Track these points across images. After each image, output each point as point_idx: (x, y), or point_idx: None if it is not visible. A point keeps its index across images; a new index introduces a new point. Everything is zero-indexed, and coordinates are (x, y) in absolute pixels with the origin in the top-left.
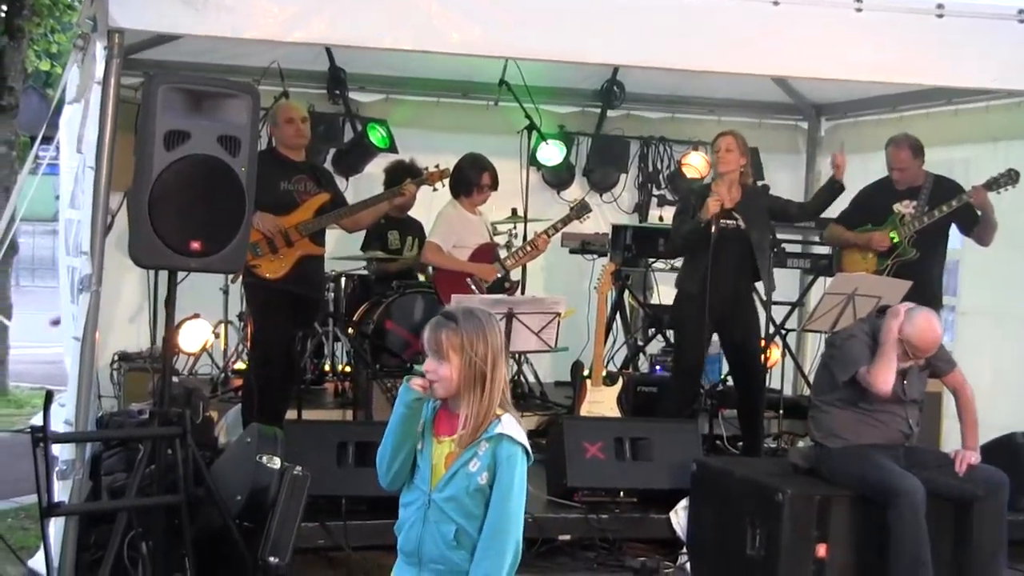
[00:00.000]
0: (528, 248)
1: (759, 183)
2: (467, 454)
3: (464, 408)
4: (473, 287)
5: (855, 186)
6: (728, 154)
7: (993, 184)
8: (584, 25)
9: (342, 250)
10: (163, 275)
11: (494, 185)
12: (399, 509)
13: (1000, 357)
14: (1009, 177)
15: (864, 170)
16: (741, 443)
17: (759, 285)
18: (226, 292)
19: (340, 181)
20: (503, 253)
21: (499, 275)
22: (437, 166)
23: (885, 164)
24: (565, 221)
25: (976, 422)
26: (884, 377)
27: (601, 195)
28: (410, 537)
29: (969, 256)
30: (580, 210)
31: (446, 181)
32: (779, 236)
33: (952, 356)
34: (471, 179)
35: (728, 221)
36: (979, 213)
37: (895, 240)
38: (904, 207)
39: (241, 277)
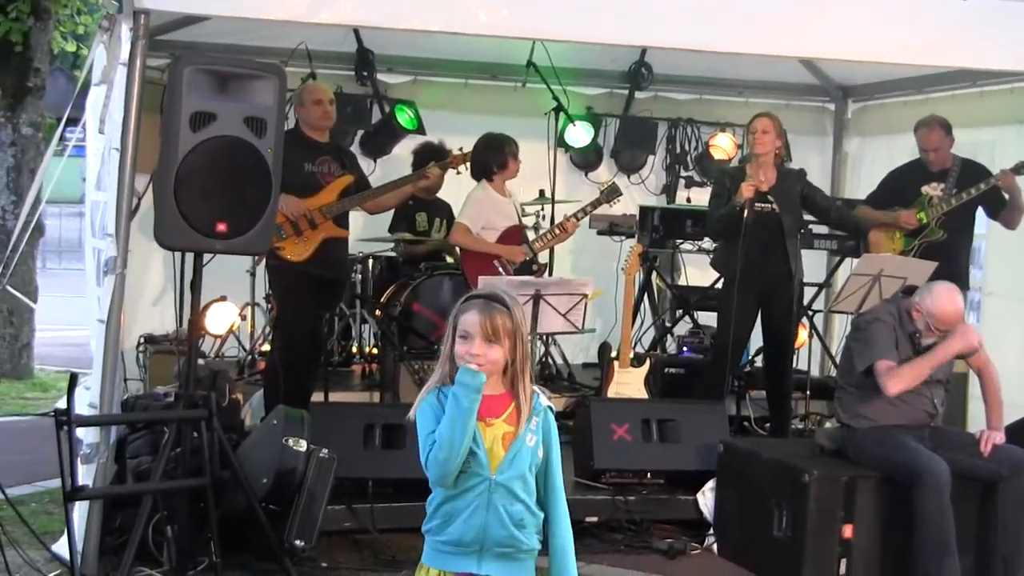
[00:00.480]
0: (557, 231)
1: (796, 167)
2: (525, 432)
3: (518, 388)
4: (500, 269)
5: (882, 168)
6: (764, 136)
7: (1021, 168)
8: (612, 6)
9: (370, 232)
10: (189, 257)
11: (517, 158)
12: (442, 504)
13: None
14: None
15: (890, 152)
16: (769, 424)
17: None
18: (253, 274)
19: (368, 163)
20: (531, 235)
21: (527, 257)
22: (460, 149)
23: (912, 146)
24: (595, 204)
25: (1000, 402)
26: (901, 386)
27: (629, 176)
28: (472, 525)
29: (995, 237)
30: (610, 194)
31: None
32: (805, 218)
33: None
34: (497, 156)
35: (763, 204)
36: (1007, 197)
37: (923, 220)
38: (933, 189)
39: (265, 259)
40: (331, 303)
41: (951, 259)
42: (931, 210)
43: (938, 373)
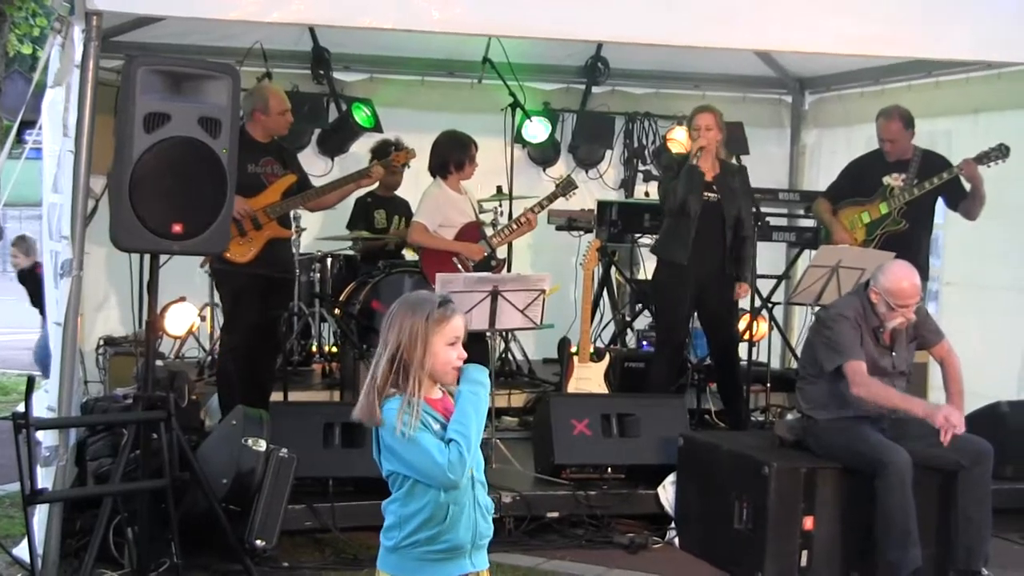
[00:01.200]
0: (514, 226)
1: (739, 163)
2: None
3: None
4: (459, 266)
5: (841, 159)
6: (708, 132)
7: (984, 158)
8: (566, 2)
9: (328, 230)
10: (146, 257)
11: (475, 161)
12: (436, 512)
13: (984, 327)
14: (999, 151)
15: (848, 143)
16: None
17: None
18: (211, 275)
19: (325, 161)
20: (489, 231)
21: (485, 254)
22: (396, 145)
23: (870, 136)
24: (551, 198)
25: (962, 392)
26: (864, 395)
27: (587, 171)
28: (467, 525)
29: (952, 227)
30: (566, 187)
31: (414, 161)
32: (764, 209)
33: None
34: (457, 155)
35: (709, 194)
36: (967, 187)
37: (883, 212)
38: (894, 179)
39: (209, 263)
40: (282, 302)
41: (912, 249)
42: (892, 200)
43: (900, 364)
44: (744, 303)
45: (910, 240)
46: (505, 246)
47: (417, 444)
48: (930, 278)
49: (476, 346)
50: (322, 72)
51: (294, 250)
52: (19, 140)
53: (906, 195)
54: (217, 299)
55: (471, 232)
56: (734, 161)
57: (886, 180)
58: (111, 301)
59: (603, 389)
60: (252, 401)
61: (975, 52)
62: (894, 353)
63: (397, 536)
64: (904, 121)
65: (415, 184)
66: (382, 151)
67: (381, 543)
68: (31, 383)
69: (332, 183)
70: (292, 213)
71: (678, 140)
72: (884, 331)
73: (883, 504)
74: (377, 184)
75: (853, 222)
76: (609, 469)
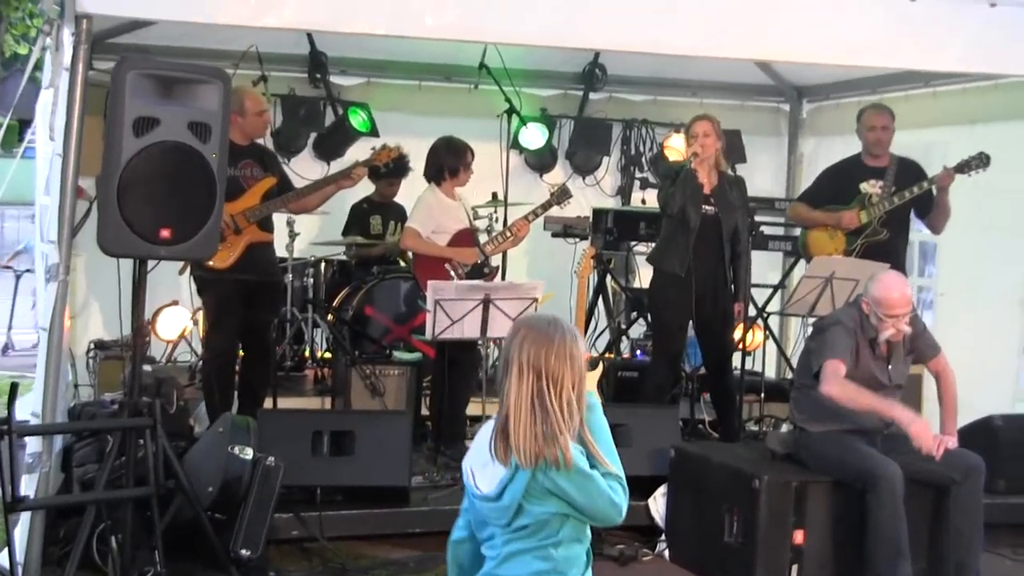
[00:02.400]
0: (508, 234)
1: (737, 173)
2: None
3: None
4: (451, 272)
5: None
6: (707, 139)
7: (964, 167)
8: (563, 8)
9: (323, 235)
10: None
11: (470, 168)
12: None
13: (978, 339)
14: (980, 160)
15: (845, 151)
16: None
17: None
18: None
19: (321, 165)
20: (483, 238)
21: (479, 260)
22: (385, 146)
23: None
24: (545, 207)
25: (955, 407)
26: (836, 394)
27: (583, 178)
28: None
29: (947, 238)
30: (560, 196)
31: (414, 163)
32: (759, 218)
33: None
34: (451, 161)
35: (707, 207)
36: (935, 196)
37: (864, 220)
38: (871, 187)
39: (189, 269)
40: (269, 307)
41: (893, 258)
42: (872, 208)
43: (897, 378)
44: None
45: (891, 249)
46: (499, 253)
47: (595, 483)
48: (924, 288)
49: (467, 355)
50: (319, 76)
51: (284, 253)
52: (19, 139)
53: (886, 204)
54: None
55: (465, 239)
56: (731, 171)
57: (863, 187)
58: (99, 305)
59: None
60: (243, 407)
61: (973, 64)
62: (890, 366)
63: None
64: (891, 114)
65: (412, 191)
66: None
67: None
68: (14, 388)
69: (312, 184)
70: (285, 217)
71: (675, 147)
72: (880, 343)
73: (874, 518)
74: (373, 190)
75: (833, 231)
76: None
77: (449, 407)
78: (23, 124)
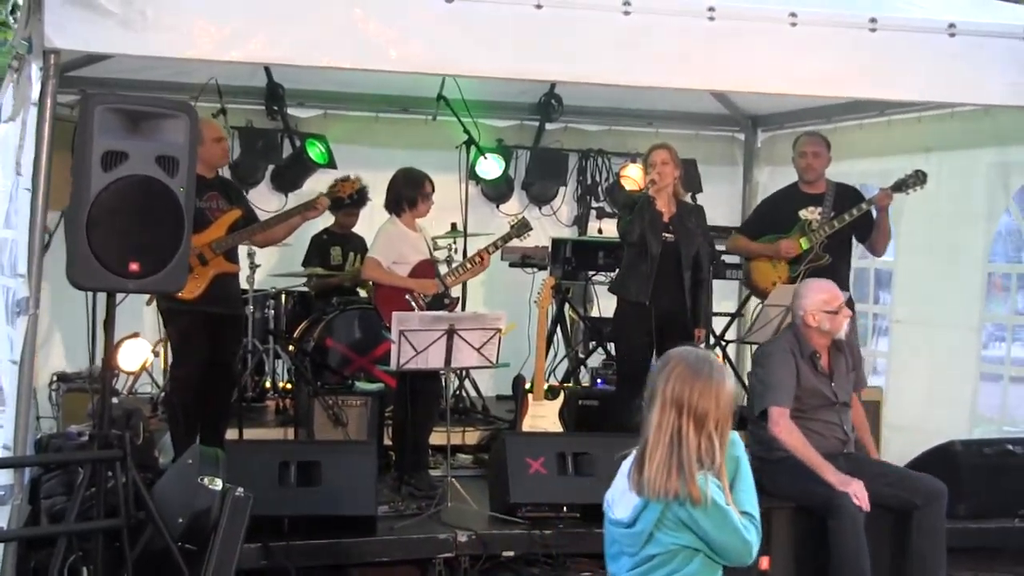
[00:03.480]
0: (468, 265)
1: (694, 201)
2: None
3: None
4: (413, 304)
5: None
6: (664, 167)
7: (901, 186)
8: (521, 42)
9: (283, 266)
10: (101, 296)
11: (429, 199)
12: None
13: (935, 365)
14: (916, 178)
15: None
16: None
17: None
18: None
19: (279, 197)
20: (444, 269)
21: (439, 291)
22: (347, 177)
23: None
24: (505, 239)
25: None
26: (783, 439)
27: (540, 208)
28: None
29: (902, 265)
30: (520, 228)
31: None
32: (717, 247)
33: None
34: (409, 192)
35: (667, 235)
36: (875, 219)
37: (805, 247)
38: (810, 213)
39: (156, 301)
40: (233, 339)
41: (837, 282)
42: (813, 235)
43: (842, 395)
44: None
45: (833, 273)
46: (459, 284)
47: (729, 519)
48: (880, 315)
49: (430, 384)
50: (276, 108)
51: (245, 285)
52: None
53: (826, 228)
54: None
55: (426, 269)
56: (688, 199)
57: (802, 214)
58: (60, 336)
59: (557, 427)
60: (204, 438)
61: (927, 93)
62: (833, 383)
63: None
64: (825, 141)
65: (371, 222)
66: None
67: None
68: None
69: (277, 216)
70: (247, 249)
71: (632, 177)
72: (820, 356)
73: (836, 544)
74: (333, 221)
75: (774, 260)
76: (565, 508)
77: (412, 436)
78: None
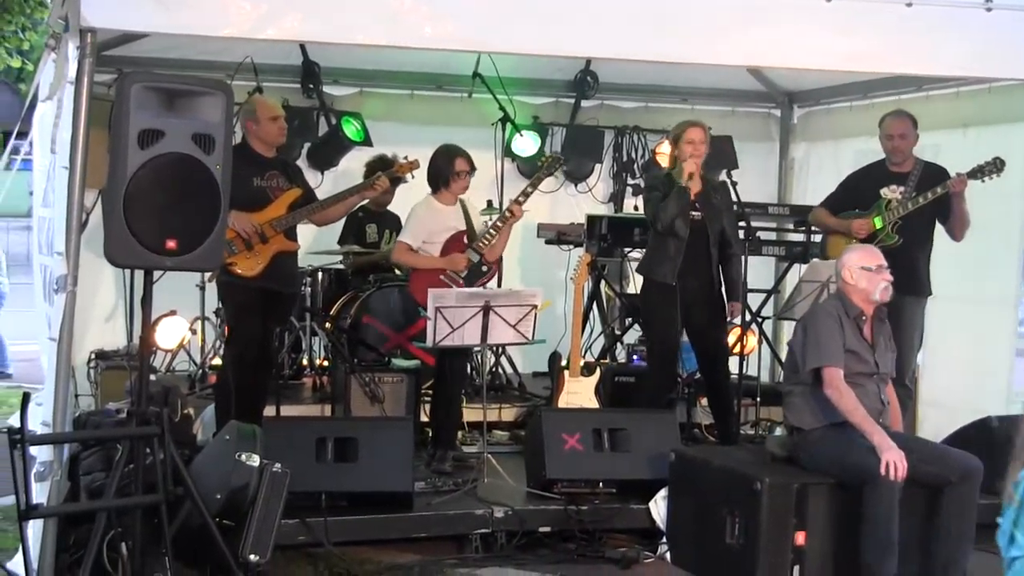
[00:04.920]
0: (500, 224)
1: (730, 179)
2: None
3: None
4: (448, 282)
5: (829, 173)
6: (702, 146)
7: (978, 172)
8: (556, 18)
9: (319, 244)
10: (139, 273)
11: (472, 169)
12: None
13: (971, 340)
14: (994, 166)
15: (836, 157)
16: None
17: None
18: (203, 288)
19: (315, 175)
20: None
21: (473, 261)
22: (406, 157)
23: (858, 149)
24: (536, 182)
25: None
26: (835, 400)
27: (576, 185)
28: None
29: (939, 241)
30: (552, 165)
31: (417, 172)
32: (753, 224)
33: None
34: (444, 169)
35: (693, 213)
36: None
37: (878, 226)
38: (891, 192)
39: (216, 276)
40: (282, 317)
41: (908, 267)
42: (888, 214)
43: (884, 366)
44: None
45: (904, 256)
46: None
47: None
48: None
49: (458, 360)
50: (312, 86)
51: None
52: (11, 152)
53: (900, 209)
54: (209, 312)
55: (457, 243)
56: (723, 176)
57: (884, 192)
58: (96, 314)
59: (593, 403)
60: (242, 415)
61: (966, 68)
62: (875, 353)
63: None
64: (912, 120)
65: (405, 200)
66: (380, 166)
67: None
68: (26, 398)
69: (337, 195)
70: None
71: (667, 154)
72: (865, 322)
73: (869, 511)
74: (368, 200)
75: (848, 238)
76: (600, 484)
77: (444, 414)
78: (6, 136)
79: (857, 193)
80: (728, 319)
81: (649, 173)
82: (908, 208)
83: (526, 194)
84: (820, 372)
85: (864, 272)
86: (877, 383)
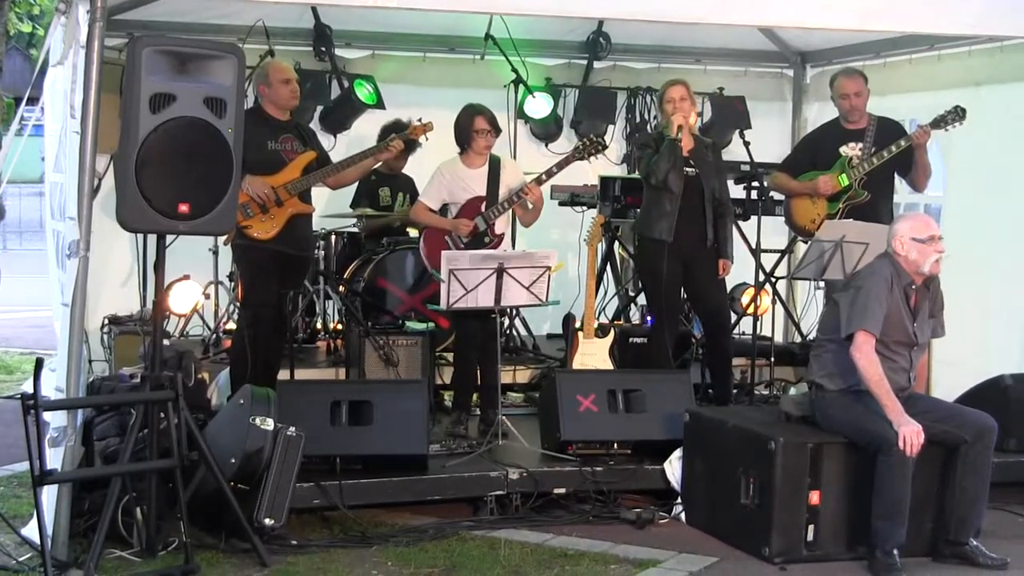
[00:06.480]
0: (515, 199)
1: (743, 139)
2: None
3: None
4: (451, 244)
5: None
6: (683, 103)
7: (940, 122)
8: None
9: (332, 207)
10: (152, 238)
11: (494, 129)
12: None
13: (985, 300)
14: (955, 114)
15: None
16: (735, 391)
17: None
18: (216, 253)
19: (328, 138)
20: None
21: (479, 228)
22: (420, 119)
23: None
24: (562, 165)
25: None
26: (862, 365)
27: None
28: None
29: (952, 200)
30: (592, 147)
31: (430, 135)
32: (766, 184)
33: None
34: (465, 128)
35: (688, 169)
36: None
37: (845, 183)
38: (851, 149)
39: (231, 239)
40: (296, 280)
41: (876, 219)
42: (852, 171)
43: (922, 336)
44: (745, 278)
45: (874, 210)
46: (507, 222)
47: None
48: None
49: (488, 324)
50: (324, 49)
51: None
52: (20, 118)
53: (865, 165)
54: (222, 277)
55: (474, 207)
56: (735, 136)
57: (843, 150)
58: (109, 279)
59: (607, 365)
60: (257, 378)
61: (977, 26)
62: (916, 323)
63: None
64: (864, 77)
65: (419, 163)
66: (394, 129)
67: None
68: (39, 364)
69: (351, 158)
70: None
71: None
72: (913, 291)
73: (882, 477)
74: (382, 163)
75: (814, 198)
76: (615, 445)
77: (458, 375)
78: (17, 101)
79: (815, 154)
80: (720, 276)
81: (641, 133)
82: (873, 163)
83: (550, 173)
84: (854, 334)
85: (915, 243)
86: (912, 354)
